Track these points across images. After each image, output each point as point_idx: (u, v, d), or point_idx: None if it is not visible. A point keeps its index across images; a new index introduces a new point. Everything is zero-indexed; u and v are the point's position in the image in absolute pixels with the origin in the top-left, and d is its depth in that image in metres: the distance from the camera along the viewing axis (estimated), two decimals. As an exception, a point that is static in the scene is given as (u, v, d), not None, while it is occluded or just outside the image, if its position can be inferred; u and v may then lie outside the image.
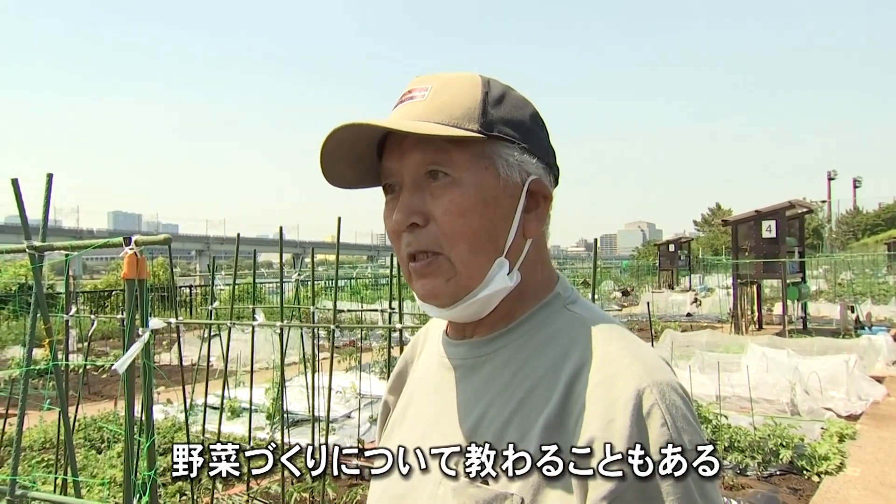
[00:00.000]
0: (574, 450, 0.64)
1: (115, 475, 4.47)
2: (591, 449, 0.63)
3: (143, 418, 1.84)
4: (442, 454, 0.74)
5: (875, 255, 27.95)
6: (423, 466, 0.76)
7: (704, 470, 0.64)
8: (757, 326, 13.20)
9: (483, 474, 0.69)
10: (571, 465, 0.64)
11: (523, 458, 0.67)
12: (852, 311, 12.86)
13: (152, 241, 1.72)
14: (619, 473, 0.62)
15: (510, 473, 0.67)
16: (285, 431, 4.24)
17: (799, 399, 6.22)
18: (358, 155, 0.78)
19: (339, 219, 3.41)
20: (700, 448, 0.64)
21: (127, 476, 1.64)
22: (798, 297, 12.97)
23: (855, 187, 68.93)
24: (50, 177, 2.06)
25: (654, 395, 0.64)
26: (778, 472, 4.83)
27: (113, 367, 1.76)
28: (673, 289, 22.78)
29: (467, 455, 0.71)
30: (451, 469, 0.72)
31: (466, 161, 0.73)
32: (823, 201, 58.29)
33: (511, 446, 0.68)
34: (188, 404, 6.39)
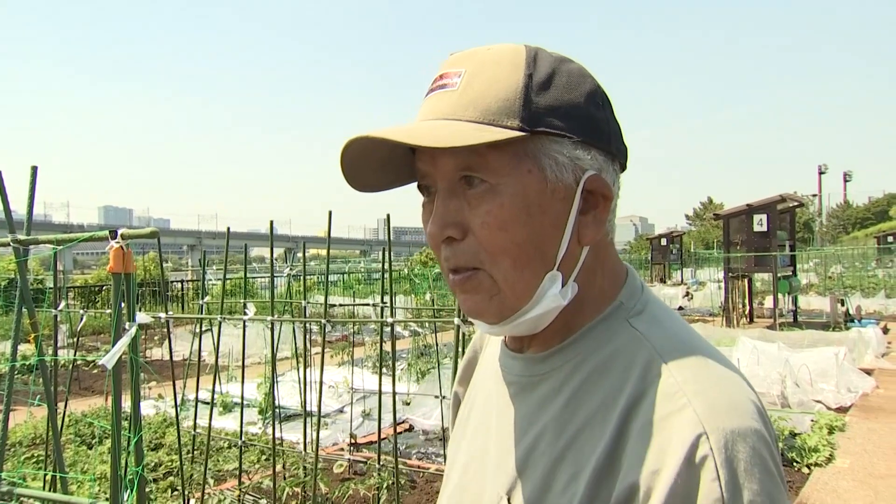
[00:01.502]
0: (616, 496, 0.57)
1: (105, 471, 4.45)
2: (633, 495, 0.56)
3: (131, 413, 1.82)
4: (495, 479, 0.70)
5: (865, 249, 28.18)
6: (478, 486, 0.73)
7: None
8: (748, 320, 13.29)
9: None
10: None
11: (571, 499, 0.61)
12: (842, 304, 12.96)
13: (139, 235, 1.70)
14: None
15: None
16: (277, 426, 4.23)
17: (789, 391, 6.27)
18: (384, 158, 0.68)
19: (330, 213, 3.39)
20: None
21: (114, 471, 1.63)
22: (789, 291, 13.06)
23: (845, 181, 69.40)
24: (34, 170, 2.03)
25: (710, 443, 0.54)
26: (768, 464, 4.86)
27: (100, 363, 1.74)
28: (665, 282, 22.90)
29: (519, 486, 0.67)
30: (502, 500, 0.68)
31: (506, 164, 0.63)
32: (814, 195, 58.65)
33: (562, 484, 0.63)
34: (180, 399, 6.37)
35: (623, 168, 0.71)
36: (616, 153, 0.68)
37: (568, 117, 0.63)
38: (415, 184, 0.71)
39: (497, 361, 0.79)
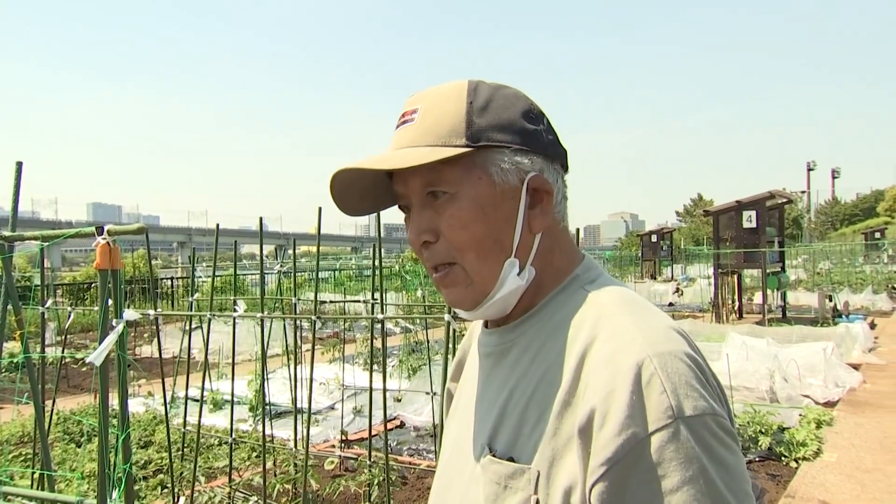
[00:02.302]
0: (578, 421, 0.66)
1: (93, 468, 4.42)
2: (592, 418, 0.64)
3: (119, 411, 1.80)
4: (479, 437, 0.81)
5: (853, 245, 28.39)
6: (467, 450, 0.82)
7: (713, 434, 0.62)
8: (737, 315, 13.37)
9: (509, 453, 0.74)
10: (577, 435, 0.66)
11: (541, 434, 0.70)
12: (830, 300, 13.07)
13: (126, 231, 1.68)
14: (619, 441, 0.62)
15: (530, 449, 0.71)
16: (268, 423, 4.22)
17: (778, 386, 6.32)
18: (366, 188, 0.83)
19: (320, 209, 3.38)
20: (707, 414, 0.63)
21: (101, 469, 1.62)
22: (777, 287, 13.15)
23: (833, 178, 69.88)
24: (19, 165, 2.01)
25: (654, 363, 0.64)
26: (757, 459, 4.90)
27: (88, 360, 1.72)
28: (655, 279, 23.00)
29: (497, 436, 0.77)
30: (484, 449, 0.78)
31: (459, 176, 0.76)
32: (803, 192, 59.03)
33: (531, 424, 0.72)
34: (170, 397, 6.33)
35: (565, 168, 0.84)
36: (554, 156, 0.82)
37: (505, 131, 0.77)
38: (395, 206, 0.87)
39: (475, 349, 0.92)
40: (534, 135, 0.79)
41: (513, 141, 0.77)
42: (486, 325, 0.90)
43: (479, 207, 0.76)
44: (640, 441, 0.61)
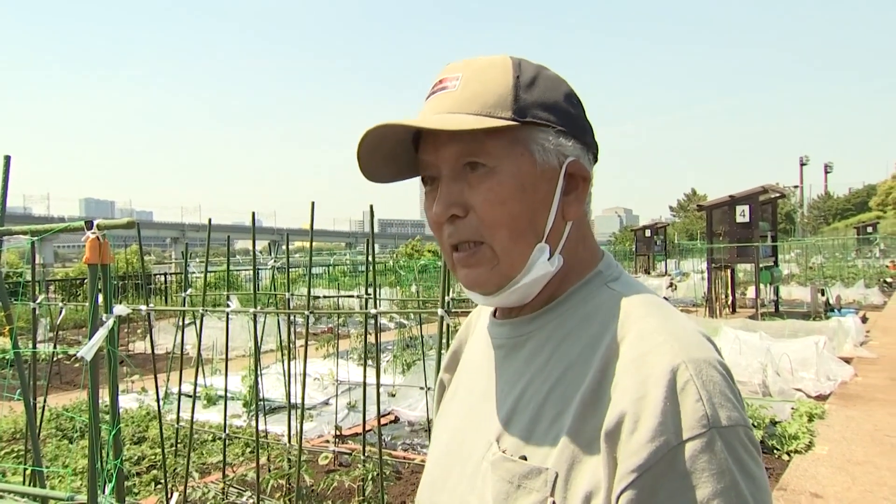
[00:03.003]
0: (605, 424, 0.63)
1: (86, 465, 4.40)
2: (622, 423, 0.62)
3: (110, 407, 1.80)
4: (485, 431, 0.77)
5: (845, 239, 28.57)
6: (470, 444, 0.79)
7: (745, 446, 0.61)
8: (730, 310, 13.43)
9: (521, 450, 0.71)
10: (603, 439, 0.63)
11: (559, 434, 0.67)
12: (822, 294, 13.14)
13: (115, 225, 1.67)
14: (651, 447, 0.60)
15: (546, 449, 0.68)
16: (262, 419, 4.21)
17: (770, 380, 6.35)
18: (391, 151, 0.78)
19: (313, 203, 3.37)
20: (739, 425, 0.62)
21: (91, 465, 1.61)
22: (770, 281, 13.21)
23: (826, 173, 70.27)
24: (7, 159, 1.99)
25: (690, 370, 0.62)
26: (749, 452, 4.92)
27: (78, 355, 1.71)
28: (649, 273, 23.07)
29: (507, 431, 0.73)
30: (492, 445, 0.74)
31: (502, 149, 0.73)
32: (796, 186, 59.33)
33: (548, 422, 0.69)
34: (163, 392, 6.31)
35: (595, 160, 0.82)
36: (590, 145, 0.80)
37: (550, 111, 0.75)
38: (408, 180, 0.83)
39: (482, 340, 0.88)
40: (575, 119, 0.77)
41: (556, 122, 0.75)
42: (494, 314, 0.87)
43: (519, 184, 0.73)
44: (672, 448, 0.59)
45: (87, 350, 1.60)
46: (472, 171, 0.74)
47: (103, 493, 1.68)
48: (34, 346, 3.07)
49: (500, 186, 0.73)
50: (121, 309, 1.71)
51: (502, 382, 0.79)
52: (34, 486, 2.71)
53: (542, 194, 0.75)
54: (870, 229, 31.71)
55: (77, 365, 9.39)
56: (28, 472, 3.18)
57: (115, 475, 1.62)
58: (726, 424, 0.61)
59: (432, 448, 0.91)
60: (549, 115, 0.74)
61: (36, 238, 1.95)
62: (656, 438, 0.60)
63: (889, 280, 20.06)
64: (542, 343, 0.76)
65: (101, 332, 1.62)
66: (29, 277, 3.15)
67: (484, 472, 0.73)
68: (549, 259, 0.75)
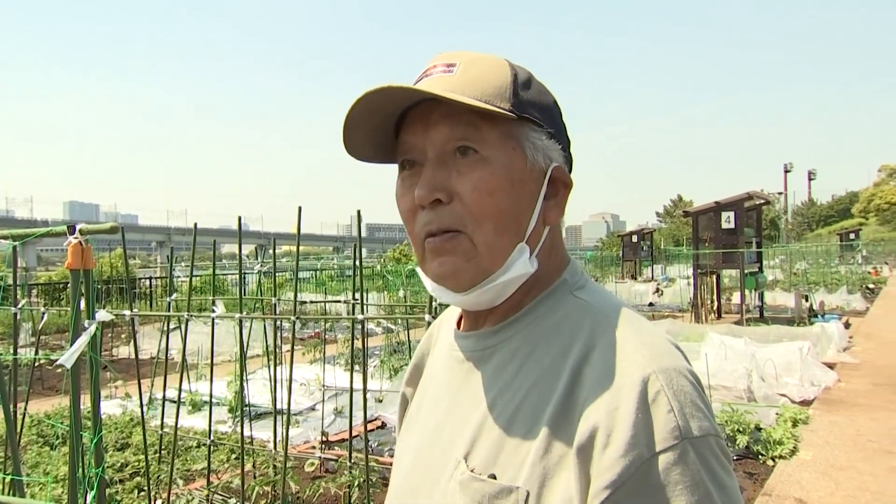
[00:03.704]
0: (577, 439, 0.62)
1: (67, 472, 4.34)
2: (594, 437, 0.61)
3: (92, 414, 1.77)
4: (452, 449, 0.73)
5: (828, 246, 28.88)
6: (436, 462, 0.75)
7: (716, 456, 0.61)
8: (716, 315, 13.52)
9: (490, 468, 0.68)
10: (575, 454, 0.61)
11: (529, 450, 0.65)
12: (806, 300, 13.27)
13: (98, 230, 1.65)
14: (624, 462, 0.58)
15: (516, 466, 0.66)
16: (247, 425, 4.17)
17: (755, 386, 6.39)
18: (374, 127, 0.74)
19: (300, 208, 3.35)
20: (710, 435, 0.61)
21: (72, 473, 1.58)
22: (755, 287, 13.32)
23: (810, 179, 71.04)
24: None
25: (660, 380, 0.61)
26: (735, 457, 4.95)
27: (59, 362, 1.69)
28: (636, 279, 23.20)
29: (475, 449, 0.70)
30: (460, 464, 0.71)
31: (496, 139, 0.71)
32: (780, 193, 59.95)
33: (518, 438, 0.67)
34: (148, 398, 6.24)
35: (570, 172, 0.81)
36: (568, 157, 0.80)
37: (543, 112, 0.75)
38: (385, 181, 0.78)
39: (446, 352, 0.85)
40: (560, 128, 0.78)
41: (548, 124, 0.75)
42: (459, 326, 0.85)
43: (509, 178, 0.71)
44: (645, 462, 0.58)
45: (68, 357, 1.58)
46: (463, 157, 0.71)
47: (84, 501, 1.66)
48: (15, 352, 3.02)
49: (492, 177, 0.70)
50: (103, 315, 1.68)
51: (468, 398, 0.75)
52: (13, 495, 2.67)
53: (528, 193, 0.73)
54: (852, 236, 32.13)
55: (59, 370, 9.27)
56: (7, 480, 3.13)
57: (96, 483, 1.60)
58: (698, 435, 0.60)
59: (396, 467, 0.87)
60: (542, 117, 0.74)
61: (18, 242, 1.92)
62: (629, 452, 0.59)
63: (871, 286, 20.32)
64: (510, 356, 0.74)
65: (83, 339, 1.60)
66: (10, 281, 3.10)
67: (452, 493, 0.70)
68: (528, 260, 0.73)
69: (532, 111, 0.73)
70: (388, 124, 0.75)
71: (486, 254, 0.71)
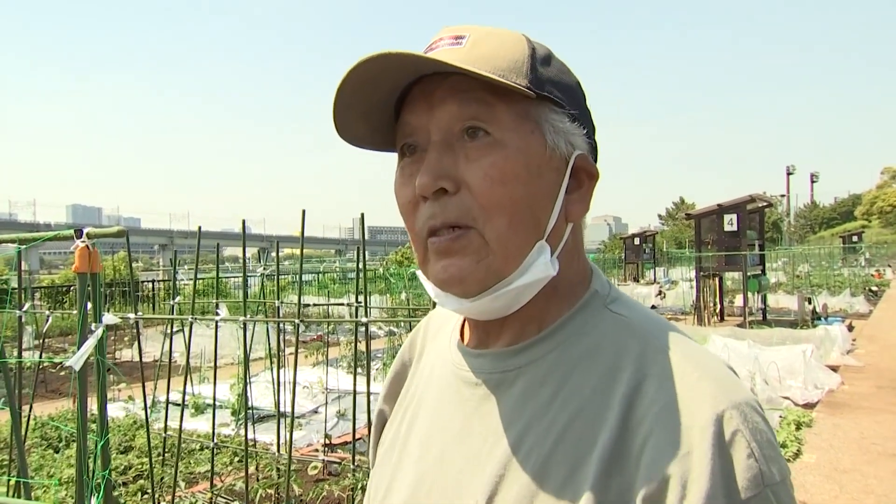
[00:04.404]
0: (642, 489, 0.53)
1: (72, 475, 4.35)
2: (665, 488, 0.52)
3: (98, 416, 1.78)
4: (466, 487, 0.63)
5: (831, 248, 28.85)
6: (445, 499, 0.64)
7: (791, 499, 0.55)
8: (719, 318, 13.51)
9: None
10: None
11: (576, 495, 0.55)
12: (809, 303, 13.24)
13: (105, 234, 1.66)
14: None
15: None
16: (250, 428, 4.18)
17: (758, 388, 6.39)
18: (371, 105, 0.64)
19: (304, 211, 3.36)
20: (787, 478, 0.55)
21: (79, 476, 1.59)
22: (758, 289, 13.30)
23: (812, 182, 71.05)
24: (-4, 166, 1.97)
25: (736, 419, 0.54)
26: (738, 460, 4.95)
27: (67, 364, 1.69)
28: (638, 281, 23.17)
29: (502, 490, 0.60)
30: (483, 501, 0.60)
31: (512, 120, 0.62)
32: (782, 195, 59.93)
33: (559, 480, 0.57)
34: (150, 401, 6.25)
35: (596, 162, 0.70)
36: (594, 145, 0.69)
37: (565, 92, 0.65)
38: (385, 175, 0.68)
39: (448, 370, 0.73)
40: (585, 111, 0.68)
41: (571, 105, 0.65)
42: (463, 338, 0.73)
43: (526, 165, 0.62)
44: None
45: (76, 360, 1.59)
46: (472, 140, 0.61)
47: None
48: (20, 355, 3.03)
49: (506, 162, 0.61)
50: (110, 318, 1.69)
51: (485, 428, 0.64)
52: (18, 497, 2.68)
53: (547, 183, 0.63)
54: (855, 238, 32.10)
55: (63, 373, 9.29)
56: (11, 482, 3.14)
57: (102, 486, 1.60)
58: (778, 480, 0.53)
59: (384, 498, 0.73)
60: (564, 96, 0.65)
61: (25, 247, 1.93)
62: None
63: (874, 289, 20.29)
64: (540, 381, 0.63)
65: (91, 342, 1.61)
66: (14, 284, 3.11)
67: None
68: (549, 261, 0.63)
69: (552, 89, 0.64)
70: (387, 104, 0.65)
71: (499, 252, 0.61)
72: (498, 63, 0.61)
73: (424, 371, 0.78)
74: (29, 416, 3.56)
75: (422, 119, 0.63)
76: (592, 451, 0.56)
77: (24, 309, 3.41)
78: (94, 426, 2.00)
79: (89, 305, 1.70)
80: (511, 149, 0.61)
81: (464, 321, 0.75)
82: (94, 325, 1.65)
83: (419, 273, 0.69)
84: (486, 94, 0.61)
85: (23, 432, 2.67)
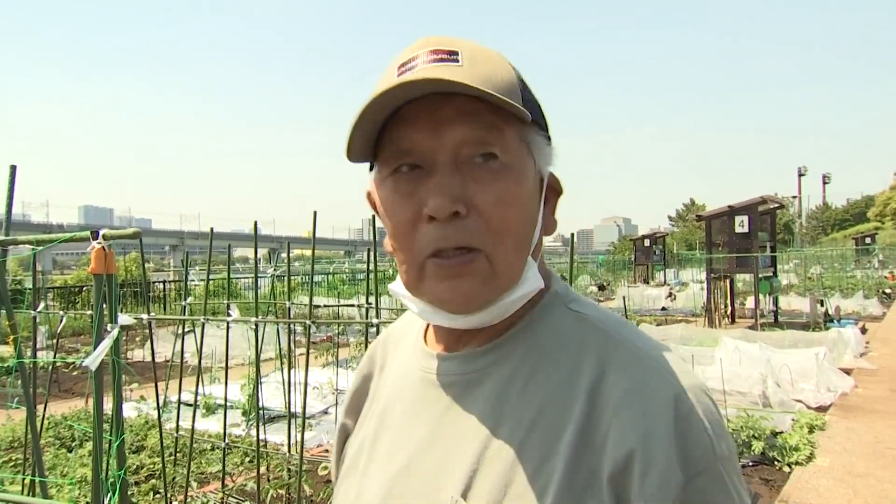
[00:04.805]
0: (609, 466, 0.58)
1: (85, 474, 4.39)
2: (630, 463, 0.57)
3: (113, 416, 1.79)
4: (438, 487, 0.64)
5: (843, 250, 28.62)
6: (418, 498, 0.66)
7: (738, 473, 0.61)
8: (730, 320, 13.42)
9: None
10: (608, 483, 0.57)
11: (548, 482, 0.59)
12: (822, 305, 13.14)
13: (121, 235, 1.68)
14: (666, 487, 0.56)
15: (530, 499, 0.59)
16: (261, 428, 4.20)
17: (770, 391, 6.34)
18: (376, 123, 0.64)
19: (315, 213, 3.37)
20: (734, 453, 0.61)
21: (96, 475, 1.60)
22: (770, 291, 13.21)
23: (824, 183, 70.49)
24: (13, 169, 1.99)
25: (690, 401, 0.59)
26: (750, 464, 4.91)
27: (84, 364, 1.71)
28: (648, 283, 23.06)
29: (475, 485, 0.62)
30: (459, 497, 0.63)
31: (514, 144, 0.63)
32: (794, 197, 59.51)
33: (531, 470, 0.60)
34: (162, 401, 6.29)
35: None
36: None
37: (542, 117, 0.69)
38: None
39: (413, 375, 0.74)
40: (550, 136, 0.71)
41: (547, 129, 0.69)
42: (429, 344, 0.75)
43: (526, 187, 0.64)
44: (683, 487, 0.56)
45: (93, 359, 1.60)
46: (482, 164, 0.62)
47: (106, 503, 1.68)
48: (34, 355, 3.06)
49: (515, 187, 0.63)
50: (126, 319, 1.71)
51: (456, 428, 0.66)
52: (33, 495, 2.70)
53: (536, 202, 0.67)
54: (868, 240, 31.78)
55: (75, 373, 9.36)
56: (26, 481, 3.17)
57: (118, 486, 1.62)
58: (726, 454, 0.59)
59: (352, 502, 0.74)
60: (542, 119, 0.69)
61: (42, 248, 1.95)
62: (669, 479, 0.56)
63: (888, 291, 20.08)
64: (507, 378, 0.66)
65: (107, 342, 1.62)
66: (28, 285, 3.14)
67: None
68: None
69: (537, 112, 0.67)
70: (381, 120, 0.64)
71: (506, 274, 0.64)
72: (500, 85, 0.62)
73: (388, 382, 0.79)
74: (44, 415, 3.60)
75: (425, 139, 0.62)
76: (562, 438, 0.60)
77: (39, 309, 3.44)
78: (107, 426, 2.01)
79: (104, 306, 1.71)
80: (515, 173, 0.63)
81: (427, 328, 0.77)
82: (109, 325, 1.66)
83: (395, 289, 0.70)
84: (493, 117, 0.62)
85: (38, 432, 2.69)
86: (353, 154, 0.66)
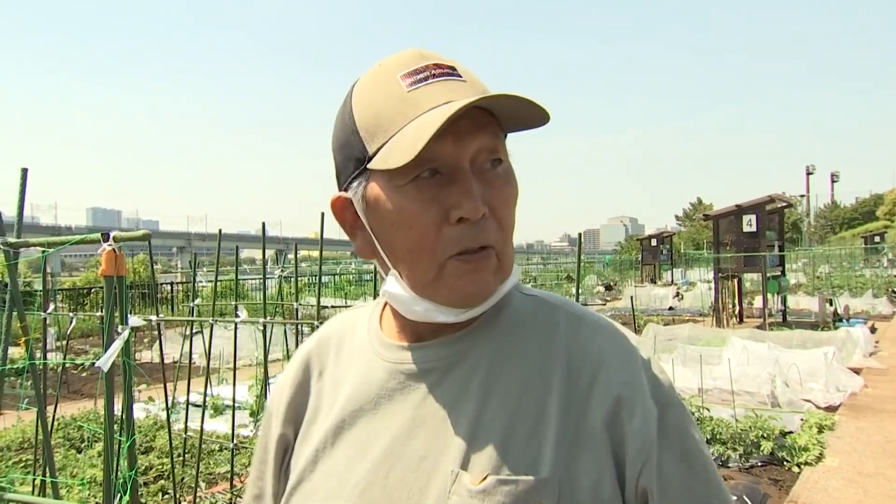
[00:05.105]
0: (601, 415, 0.67)
1: (95, 475, 4.41)
2: (619, 408, 0.67)
3: (124, 417, 1.81)
4: (436, 466, 0.68)
5: (852, 249, 28.43)
6: (405, 490, 0.68)
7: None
8: (738, 320, 13.36)
9: (501, 471, 0.65)
10: (604, 428, 0.67)
11: (543, 441, 0.67)
12: (830, 304, 13.06)
13: (131, 237, 1.69)
14: (652, 421, 0.68)
15: (528, 461, 0.66)
16: (269, 429, 4.21)
17: (779, 391, 6.31)
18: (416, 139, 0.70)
19: (322, 214, 3.38)
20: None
21: (107, 476, 1.61)
22: (778, 291, 13.14)
23: (833, 182, 70.10)
24: (24, 172, 2.01)
25: (647, 351, 0.74)
26: (759, 464, 4.89)
27: (96, 365, 1.72)
28: (655, 283, 22.99)
29: (474, 457, 0.66)
30: (459, 476, 0.66)
31: (507, 150, 0.73)
32: (802, 196, 59.20)
33: (526, 434, 0.67)
34: (170, 402, 6.32)
35: None
36: None
37: None
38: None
39: (381, 366, 0.76)
40: None
41: None
42: (395, 339, 0.78)
43: (517, 188, 0.74)
44: (662, 419, 0.69)
45: (105, 360, 1.61)
46: (493, 170, 0.69)
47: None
48: (44, 356, 3.08)
49: (514, 188, 0.72)
50: (136, 320, 1.72)
51: (441, 408, 0.70)
52: (43, 496, 2.72)
53: None
54: (877, 239, 31.61)
55: (84, 374, 9.42)
56: (37, 482, 3.19)
57: (129, 487, 1.63)
58: (675, 389, 0.75)
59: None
60: None
61: (53, 250, 1.97)
62: (650, 413, 0.68)
63: (897, 290, 19.94)
64: (488, 358, 0.72)
65: (118, 343, 1.64)
66: (37, 286, 3.17)
67: None
68: None
69: None
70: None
71: (507, 266, 0.72)
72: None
73: (335, 384, 0.80)
74: (54, 416, 3.62)
75: (447, 147, 0.66)
76: (550, 400, 0.68)
77: (49, 311, 3.46)
78: (117, 427, 2.02)
79: (115, 307, 1.72)
80: (512, 176, 0.73)
81: (381, 324, 0.81)
82: (120, 327, 1.67)
83: (392, 292, 0.73)
84: (497, 127, 0.70)
85: (49, 432, 2.71)
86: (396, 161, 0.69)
